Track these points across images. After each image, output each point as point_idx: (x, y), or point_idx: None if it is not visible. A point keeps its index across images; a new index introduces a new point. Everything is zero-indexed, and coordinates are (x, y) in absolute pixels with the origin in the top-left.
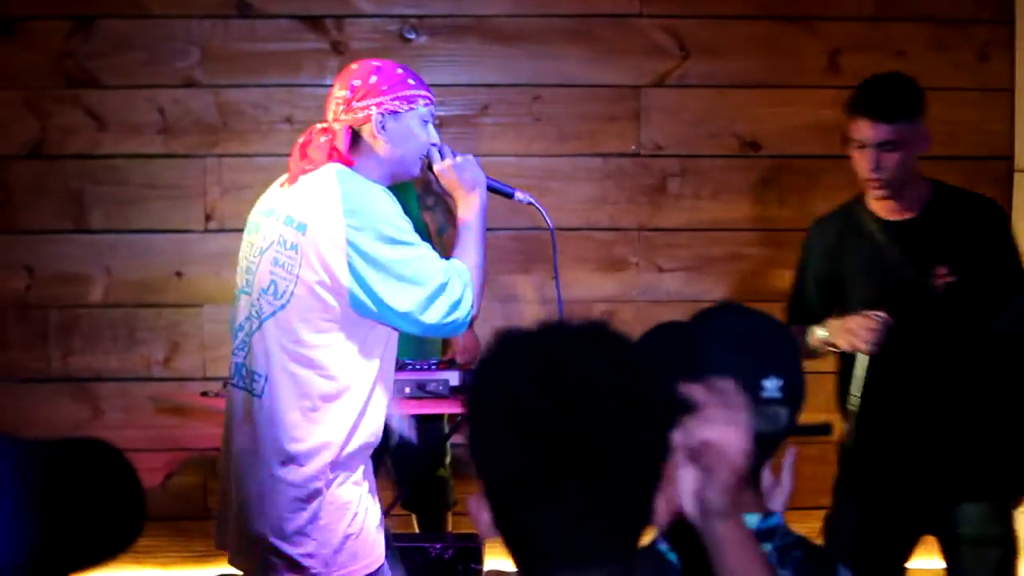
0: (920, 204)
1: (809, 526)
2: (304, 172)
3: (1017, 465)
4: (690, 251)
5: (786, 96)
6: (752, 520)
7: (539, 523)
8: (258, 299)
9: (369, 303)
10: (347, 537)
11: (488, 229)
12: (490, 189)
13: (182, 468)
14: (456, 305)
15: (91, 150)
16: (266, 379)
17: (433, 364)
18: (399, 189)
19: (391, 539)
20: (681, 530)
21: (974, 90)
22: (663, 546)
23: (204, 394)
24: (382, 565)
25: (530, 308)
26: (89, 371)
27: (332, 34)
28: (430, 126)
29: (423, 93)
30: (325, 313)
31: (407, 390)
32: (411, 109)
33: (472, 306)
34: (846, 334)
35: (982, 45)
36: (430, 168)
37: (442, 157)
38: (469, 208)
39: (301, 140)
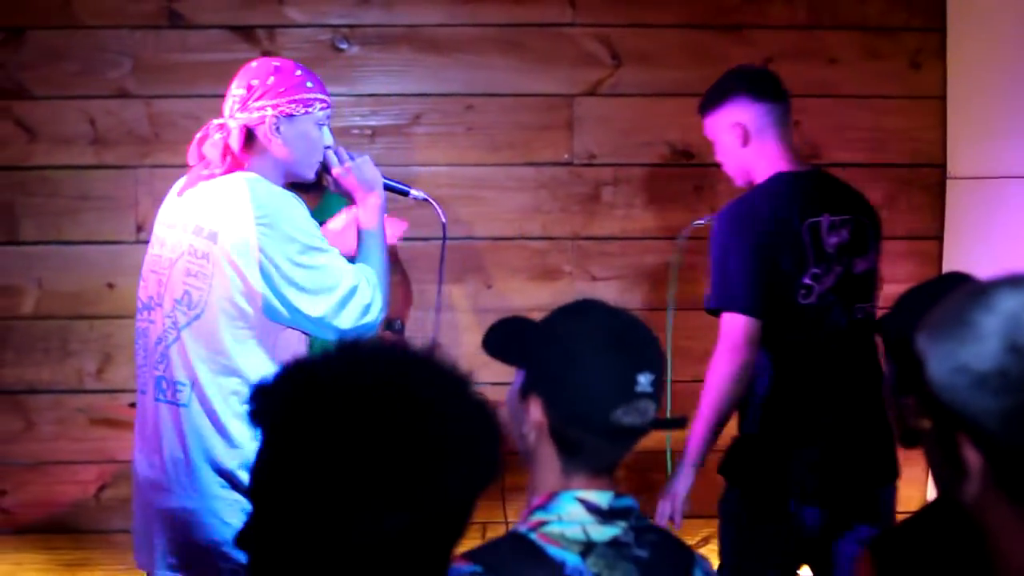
0: None
1: (710, 531)
2: (203, 179)
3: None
4: (623, 260)
5: None
6: (605, 498)
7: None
8: (172, 310)
9: (282, 310)
10: None
11: (420, 239)
12: (386, 188)
13: (115, 480)
14: (367, 308)
15: (22, 161)
16: (191, 387)
17: None
18: (329, 197)
19: None
20: None
21: (906, 98)
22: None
23: (132, 406)
24: None
25: (464, 317)
26: (21, 383)
27: (264, 44)
28: (325, 129)
29: (320, 96)
30: (240, 320)
31: None
32: (307, 113)
33: (381, 308)
34: None
35: (914, 53)
36: (327, 171)
37: (339, 160)
38: (369, 210)
39: (198, 135)
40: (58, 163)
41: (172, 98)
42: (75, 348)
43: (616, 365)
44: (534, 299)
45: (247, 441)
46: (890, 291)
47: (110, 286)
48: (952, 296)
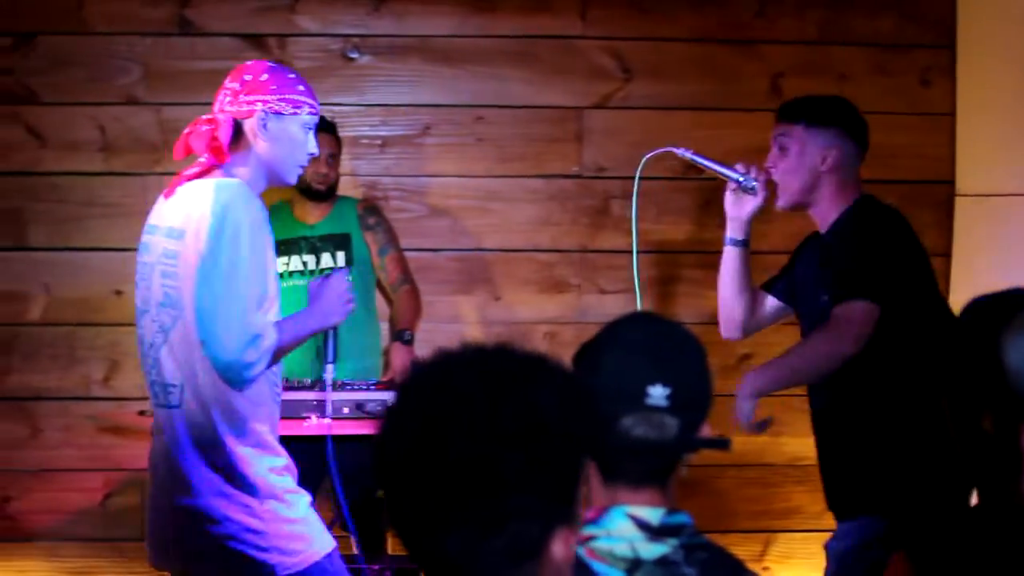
0: (831, 220)
1: (749, 549)
2: (185, 179)
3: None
4: (631, 273)
5: (728, 119)
6: (656, 515)
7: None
8: (158, 314)
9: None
10: (290, 521)
11: (430, 250)
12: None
13: (121, 488)
14: (254, 341)
15: (31, 167)
16: (181, 388)
17: (372, 385)
18: (341, 207)
19: None
20: None
21: (915, 114)
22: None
23: (142, 413)
24: (330, 552)
25: (472, 329)
26: (28, 390)
27: (275, 52)
28: (311, 136)
29: (310, 101)
30: None
31: (345, 410)
32: (295, 113)
33: (259, 364)
34: None
35: (923, 70)
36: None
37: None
38: (315, 317)
39: (186, 131)
40: (67, 169)
41: (182, 105)
42: (82, 355)
43: (626, 373)
44: (542, 312)
45: (241, 437)
46: None
47: (118, 293)
48: None
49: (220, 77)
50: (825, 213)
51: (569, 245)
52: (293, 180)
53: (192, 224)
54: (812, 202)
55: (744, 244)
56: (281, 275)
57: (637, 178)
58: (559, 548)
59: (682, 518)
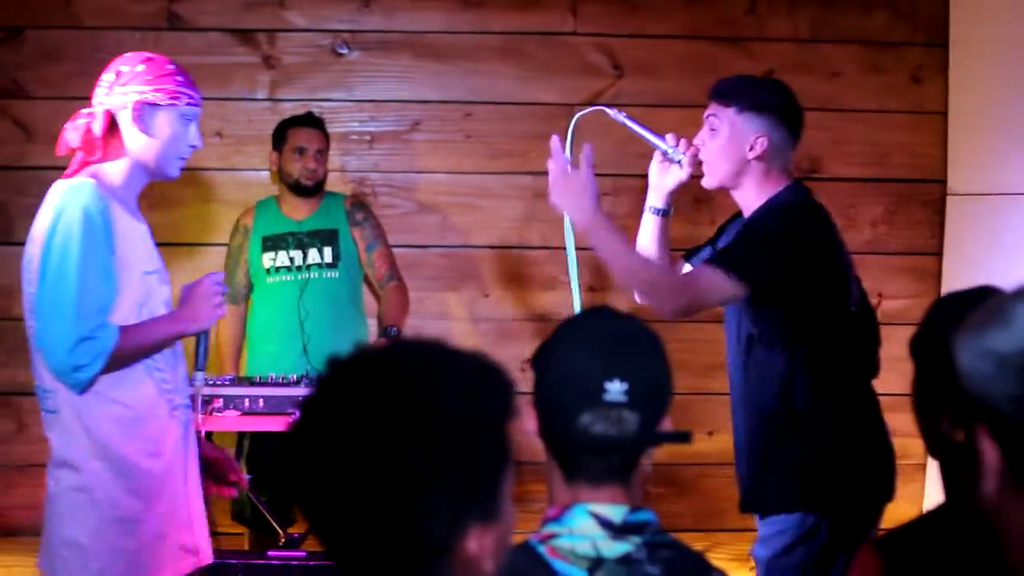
0: (755, 207)
1: (737, 548)
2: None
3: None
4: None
5: None
6: (618, 512)
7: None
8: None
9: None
10: (125, 550)
11: (418, 246)
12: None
13: None
14: (82, 344)
15: (18, 161)
16: (55, 394)
17: None
18: (329, 203)
19: None
20: None
21: (907, 113)
22: (539, 546)
23: None
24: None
25: (460, 325)
26: (13, 385)
27: (264, 48)
28: (193, 128)
29: (188, 92)
30: None
31: None
32: (172, 104)
33: (91, 367)
34: None
35: (915, 68)
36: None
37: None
38: (181, 321)
39: (65, 125)
40: (54, 164)
41: None
42: None
43: (583, 369)
44: (531, 309)
45: (95, 451)
46: (888, 307)
47: None
48: (994, 296)
49: (209, 72)
50: (749, 199)
51: (558, 242)
52: (174, 173)
53: (38, 228)
54: (737, 186)
55: (664, 213)
56: (268, 271)
57: (570, 136)
58: (473, 545)
59: (646, 516)
